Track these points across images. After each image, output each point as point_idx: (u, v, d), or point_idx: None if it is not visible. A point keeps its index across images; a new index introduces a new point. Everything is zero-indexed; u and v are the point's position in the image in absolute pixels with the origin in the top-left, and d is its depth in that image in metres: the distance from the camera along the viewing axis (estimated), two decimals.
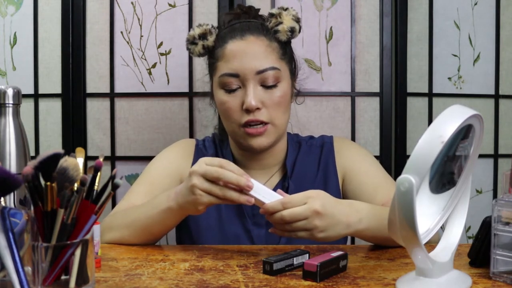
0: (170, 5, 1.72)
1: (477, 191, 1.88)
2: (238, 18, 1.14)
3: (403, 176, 0.65)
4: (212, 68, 1.13)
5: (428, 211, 0.77)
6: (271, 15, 1.11)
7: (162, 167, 1.17)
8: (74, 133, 1.73)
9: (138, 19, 1.72)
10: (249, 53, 1.06)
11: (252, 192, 0.86)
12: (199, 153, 1.20)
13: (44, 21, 1.73)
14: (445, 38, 1.82)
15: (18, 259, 0.59)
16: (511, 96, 1.89)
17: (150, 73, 1.73)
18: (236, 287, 0.74)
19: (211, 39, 1.11)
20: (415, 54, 1.79)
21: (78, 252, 0.65)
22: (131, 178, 1.74)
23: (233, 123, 1.09)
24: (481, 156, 1.70)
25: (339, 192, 1.17)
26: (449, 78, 1.84)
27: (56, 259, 0.64)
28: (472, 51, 1.85)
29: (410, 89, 1.78)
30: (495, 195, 1.89)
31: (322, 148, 1.20)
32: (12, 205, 0.81)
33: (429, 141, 0.64)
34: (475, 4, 1.83)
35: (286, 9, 1.10)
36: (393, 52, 1.75)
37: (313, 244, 0.98)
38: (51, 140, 1.75)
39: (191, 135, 1.72)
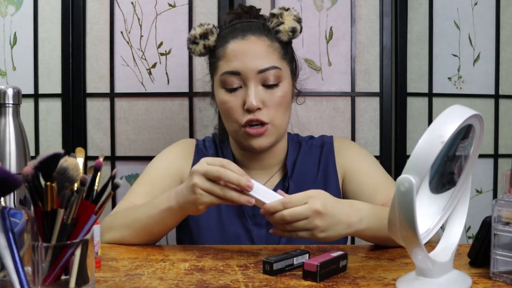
0: (170, 5, 1.72)
1: (477, 191, 1.88)
2: (239, 18, 1.14)
3: (403, 176, 0.65)
4: (213, 68, 1.14)
5: (428, 211, 0.77)
6: (273, 15, 1.11)
7: (162, 167, 1.17)
8: (74, 133, 1.73)
9: (138, 19, 1.72)
10: (250, 52, 1.06)
11: (252, 193, 0.86)
12: (199, 153, 1.20)
13: (44, 21, 1.73)
14: (445, 38, 1.82)
15: (18, 259, 0.59)
16: (511, 96, 1.89)
17: (150, 73, 1.73)
18: (236, 287, 0.74)
19: (212, 39, 1.11)
20: (415, 54, 1.79)
21: (78, 252, 0.65)
22: (131, 178, 1.74)
23: (234, 122, 1.09)
24: (481, 156, 1.70)
25: (339, 192, 1.17)
26: (449, 78, 1.84)
27: (56, 259, 0.64)
28: (472, 51, 1.85)
29: (410, 89, 1.78)
30: (495, 195, 1.89)
31: (322, 148, 1.21)
32: (12, 205, 0.81)
33: (429, 141, 0.64)
34: (475, 4, 1.83)
35: (287, 9, 1.10)
36: (393, 52, 1.75)
37: (313, 244, 0.98)
38: (51, 140, 1.75)
39: (191, 135, 1.72)
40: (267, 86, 1.07)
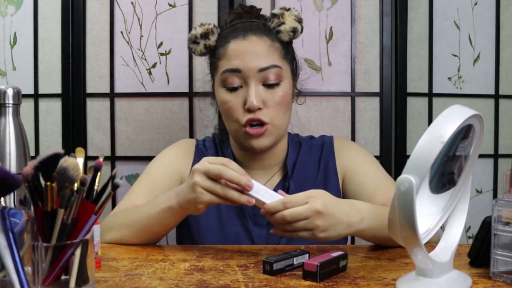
0: (170, 5, 1.72)
1: (477, 191, 1.88)
2: (240, 18, 1.14)
3: (403, 176, 0.65)
4: (213, 67, 1.14)
5: (428, 211, 0.77)
6: (273, 15, 1.11)
7: (162, 167, 1.17)
8: (74, 133, 1.73)
9: (138, 19, 1.72)
10: (251, 52, 1.06)
11: (252, 193, 0.86)
12: (199, 153, 1.20)
13: (44, 21, 1.73)
14: (445, 38, 1.82)
15: (18, 259, 0.59)
16: (511, 96, 1.89)
17: (150, 73, 1.73)
18: (236, 287, 0.74)
19: (213, 39, 1.11)
20: (415, 54, 1.79)
21: (78, 252, 0.65)
22: (131, 178, 1.74)
23: (234, 122, 1.09)
24: (481, 156, 1.70)
25: (339, 192, 1.17)
26: (449, 78, 1.84)
27: (56, 259, 0.64)
28: (472, 51, 1.85)
29: (410, 89, 1.78)
30: (495, 195, 1.89)
31: (322, 148, 1.21)
32: (12, 205, 0.81)
33: (429, 141, 0.64)
34: (475, 4, 1.83)
35: (288, 10, 1.11)
36: (393, 52, 1.75)
37: (313, 244, 0.98)
38: (51, 140, 1.75)
39: (191, 135, 1.72)
40: (268, 85, 1.07)
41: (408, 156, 0.89)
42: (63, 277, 0.65)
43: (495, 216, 0.75)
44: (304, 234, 0.86)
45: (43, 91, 1.74)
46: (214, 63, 1.12)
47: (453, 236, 0.79)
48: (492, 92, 1.87)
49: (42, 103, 1.74)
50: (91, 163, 0.69)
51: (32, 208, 0.64)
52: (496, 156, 1.88)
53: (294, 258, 0.83)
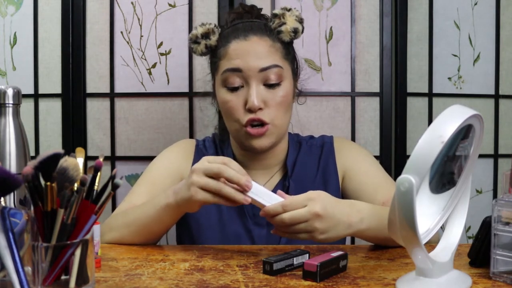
0: (170, 5, 1.72)
1: (477, 191, 1.88)
2: (241, 18, 1.14)
3: (403, 176, 0.65)
4: (214, 67, 1.14)
5: (428, 211, 0.77)
6: (275, 15, 1.11)
7: (163, 167, 1.17)
8: (74, 133, 1.73)
9: (138, 19, 1.72)
10: (252, 52, 1.06)
11: (252, 195, 0.86)
12: (199, 153, 1.20)
13: (44, 21, 1.73)
14: (445, 38, 1.82)
15: (18, 259, 0.59)
16: (511, 96, 1.89)
17: (150, 73, 1.73)
18: (236, 287, 0.74)
19: (214, 39, 1.11)
20: (415, 54, 1.79)
21: (78, 252, 0.65)
22: (131, 178, 1.74)
23: (235, 122, 1.09)
24: (481, 156, 1.70)
25: (339, 192, 1.17)
26: (449, 78, 1.84)
27: (56, 259, 0.64)
28: (472, 51, 1.85)
29: (410, 89, 1.78)
30: (495, 195, 1.89)
31: (322, 148, 1.21)
32: (12, 205, 0.81)
33: (429, 141, 0.64)
34: (475, 4, 1.83)
35: (289, 10, 1.10)
36: (393, 52, 1.75)
37: (313, 244, 0.98)
38: (51, 140, 1.75)
39: (191, 135, 1.72)
40: (269, 85, 1.07)
41: (408, 156, 0.89)
42: (63, 277, 0.65)
43: (495, 216, 0.75)
44: (304, 236, 0.86)
45: (43, 91, 1.74)
46: (215, 63, 1.12)
47: (453, 236, 0.79)
48: (492, 92, 1.87)
49: (42, 103, 1.74)
50: (91, 163, 0.69)
51: (32, 208, 0.64)
52: (496, 156, 1.88)
53: (294, 258, 0.83)
